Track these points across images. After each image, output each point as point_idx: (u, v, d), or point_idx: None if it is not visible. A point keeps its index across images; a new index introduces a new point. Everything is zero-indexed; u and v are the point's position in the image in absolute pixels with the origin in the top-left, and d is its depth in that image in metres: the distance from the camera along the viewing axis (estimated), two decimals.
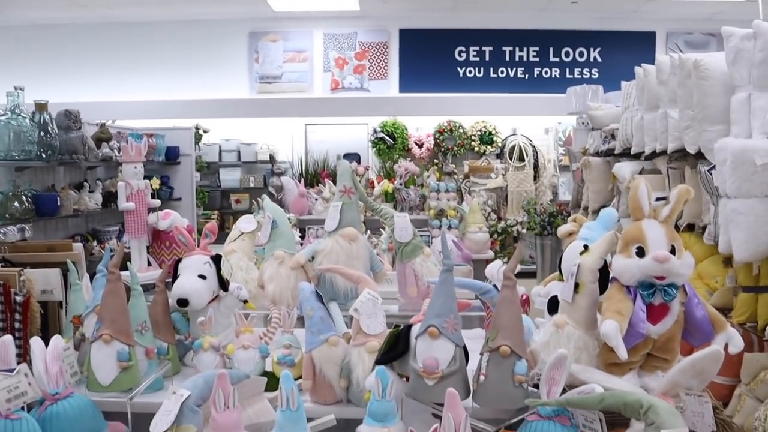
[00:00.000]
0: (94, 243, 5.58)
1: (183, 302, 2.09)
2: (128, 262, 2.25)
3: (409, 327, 1.73)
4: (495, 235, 5.86)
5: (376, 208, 2.57)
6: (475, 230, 4.49)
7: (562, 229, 2.25)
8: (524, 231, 6.64)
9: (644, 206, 1.69)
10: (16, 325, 2.06)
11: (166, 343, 2.07)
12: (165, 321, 2.12)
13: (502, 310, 1.60)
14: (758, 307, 4.22)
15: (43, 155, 4.43)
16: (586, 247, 1.84)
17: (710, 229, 4.63)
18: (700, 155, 4.05)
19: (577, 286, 1.76)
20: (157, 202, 2.53)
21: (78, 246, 2.55)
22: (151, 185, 2.44)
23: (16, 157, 4.19)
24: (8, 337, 1.57)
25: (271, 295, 2.35)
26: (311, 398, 1.90)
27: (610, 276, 1.77)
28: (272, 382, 1.86)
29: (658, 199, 1.78)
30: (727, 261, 4.62)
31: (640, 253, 1.64)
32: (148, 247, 2.57)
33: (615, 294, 1.67)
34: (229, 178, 8.47)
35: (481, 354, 1.62)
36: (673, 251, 1.63)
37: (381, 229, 3.86)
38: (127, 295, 1.92)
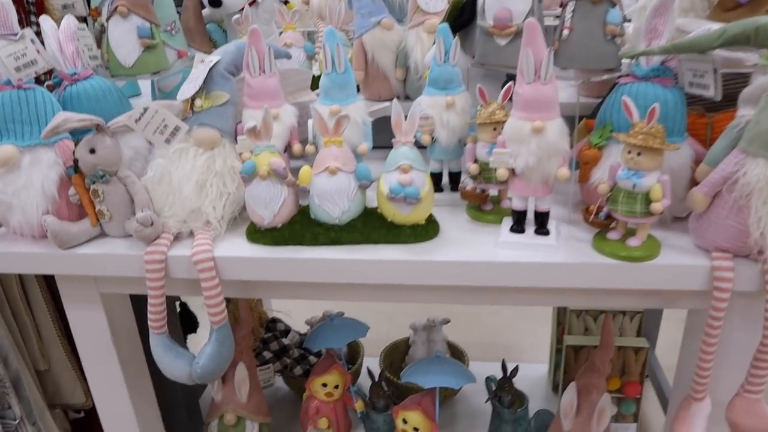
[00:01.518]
0: None
1: (216, 2, 1.84)
2: None
3: None
4: None
5: None
6: None
7: None
8: None
9: None
10: (34, 28, 1.86)
11: (201, 52, 1.86)
12: (199, 29, 1.89)
13: None
14: None
15: None
16: None
17: None
18: None
19: None
20: None
21: None
22: None
23: None
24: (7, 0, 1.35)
25: (317, 8, 2.07)
26: (364, 95, 1.68)
27: None
28: (317, 81, 1.63)
29: None
30: None
31: None
32: None
33: None
34: None
35: (564, 5, 1.32)
36: None
37: None
38: None
